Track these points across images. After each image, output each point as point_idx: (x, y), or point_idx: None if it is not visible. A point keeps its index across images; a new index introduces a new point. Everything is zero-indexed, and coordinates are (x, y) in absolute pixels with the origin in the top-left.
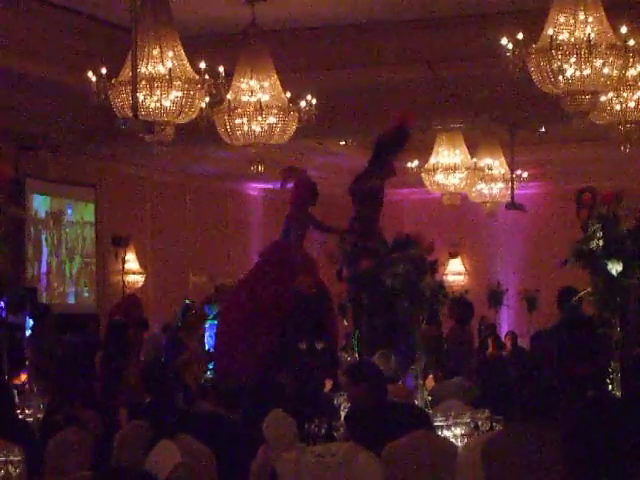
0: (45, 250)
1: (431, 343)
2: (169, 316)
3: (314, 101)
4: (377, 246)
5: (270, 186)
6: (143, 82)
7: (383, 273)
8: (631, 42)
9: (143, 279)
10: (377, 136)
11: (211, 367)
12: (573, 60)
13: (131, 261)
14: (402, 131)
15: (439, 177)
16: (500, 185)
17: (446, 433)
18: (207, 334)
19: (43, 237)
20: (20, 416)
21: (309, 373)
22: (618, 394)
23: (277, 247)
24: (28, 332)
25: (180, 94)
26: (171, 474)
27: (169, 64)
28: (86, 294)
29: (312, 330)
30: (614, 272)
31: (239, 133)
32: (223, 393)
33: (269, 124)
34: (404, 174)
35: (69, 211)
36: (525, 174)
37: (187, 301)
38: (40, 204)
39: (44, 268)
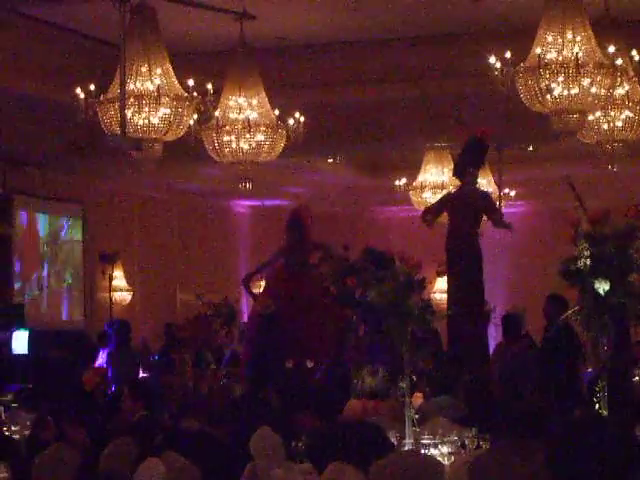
0: (33, 267)
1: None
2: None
3: (302, 119)
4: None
5: (258, 203)
6: (131, 99)
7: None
8: (619, 61)
9: (131, 296)
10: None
11: None
12: (561, 79)
13: (119, 278)
14: (484, 143)
15: (427, 195)
16: None
17: (433, 451)
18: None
19: (31, 254)
20: (6, 433)
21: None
22: (605, 413)
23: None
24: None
25: (168, 111)
26: None
27: (157, 81)
28: (73, 311)
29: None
30: (601, 291)
31: (227, 150)
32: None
33: (257, 142)
34: (391, 192)
35: (56, 228)
36: (513, 193)
37: None
38: (27, 220)
39: (31, 284)
